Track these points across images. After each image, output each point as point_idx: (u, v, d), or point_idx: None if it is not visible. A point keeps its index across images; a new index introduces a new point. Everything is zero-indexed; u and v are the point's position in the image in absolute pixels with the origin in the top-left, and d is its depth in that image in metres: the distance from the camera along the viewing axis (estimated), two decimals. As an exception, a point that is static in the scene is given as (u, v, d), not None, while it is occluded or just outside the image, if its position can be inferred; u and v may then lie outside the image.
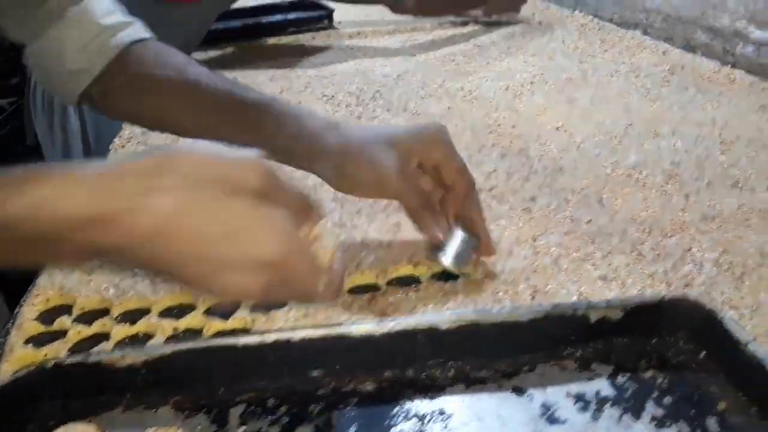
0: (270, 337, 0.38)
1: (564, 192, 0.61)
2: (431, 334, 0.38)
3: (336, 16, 1.34)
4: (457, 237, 0.46)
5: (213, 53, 1.20)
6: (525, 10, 1.30)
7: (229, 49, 1.22)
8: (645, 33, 1.16)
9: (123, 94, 0.53)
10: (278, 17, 1.28)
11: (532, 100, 0.86)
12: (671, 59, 0.99)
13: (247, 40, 1.25)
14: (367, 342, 0.38)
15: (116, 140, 0.80)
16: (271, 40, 1.26)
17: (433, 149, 0.46)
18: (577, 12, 1.36)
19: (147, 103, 0.53)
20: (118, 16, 0.54)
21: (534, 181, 0.64)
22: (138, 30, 0.54)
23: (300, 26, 1.27)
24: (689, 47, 1.06)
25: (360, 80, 0.98)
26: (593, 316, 0.39)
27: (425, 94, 0.90)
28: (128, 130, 0.83)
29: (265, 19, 1.29)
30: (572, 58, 1.03)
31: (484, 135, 0.76)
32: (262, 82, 1.00)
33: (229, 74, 1.05)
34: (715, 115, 0.78)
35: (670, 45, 1.08)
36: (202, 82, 0.51)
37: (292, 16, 1.29)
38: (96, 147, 1.04)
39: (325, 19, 1.29)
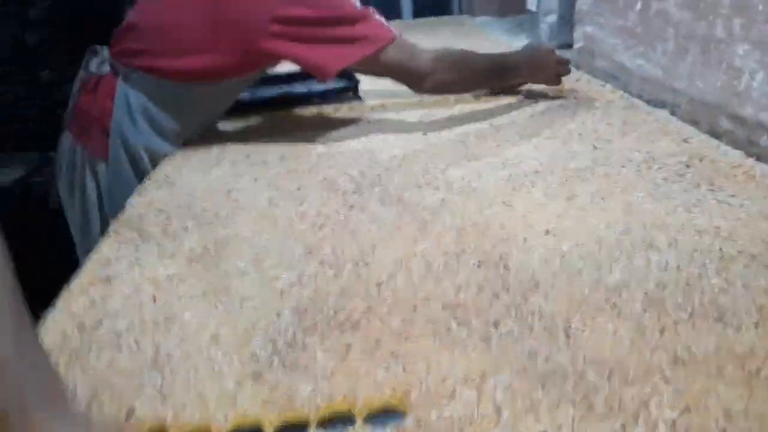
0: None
1: (532, 316, 0.57)
2: None
3: (365, 84, 1.34)
4: None
5: (237, 123, 1.22)
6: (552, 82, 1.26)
7: (253, 119, 1.24)
8: (672, 113, 1.11)
9: None
10: (303, 88, 1.29)
11: (530, 193, 0.82)
12: (691, 149, 0.93)
13: (273, 109, 1.27)
14: None
15: (112, 226, 0.81)
16: (296, 110, 1.27)
17: None
18: (607, 86, 1.31)
19: None
20: None
21: (504, 299, 0.60)
22: None
23: (325, 98, 1.28)
24: (714, 133, 0.99)
25: (365, 161, 0.97)
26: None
27: (424, 182, 0.88)
28: (127, 214, 0.84)
29: (291, 89, 1.30)
30: (587, 143, 0.98)
31: (469, 236, 0.72)
32: (272, 161, 1.00)
33: (245, 147, 1.07)
34: (721, 222, 0.72)
35: (696, 129, 1.02)
36: None
37: (318, 87, 1.29)
38: (110, 211, 1.06)
39: (350, 91, 1.29)
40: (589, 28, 1.42)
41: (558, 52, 1.23)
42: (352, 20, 0.98)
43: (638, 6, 1.20)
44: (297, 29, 0.95)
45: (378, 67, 1.03)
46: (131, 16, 1.05)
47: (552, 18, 1.70)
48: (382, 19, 1.02)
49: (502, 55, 1.18)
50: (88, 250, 1.03)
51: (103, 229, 1.04)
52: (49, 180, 1.24)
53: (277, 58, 1.03)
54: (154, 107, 1.01)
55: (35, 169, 1.74)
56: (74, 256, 1.11)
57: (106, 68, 1.03)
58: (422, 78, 1.04)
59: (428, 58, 1.03)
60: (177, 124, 1.05)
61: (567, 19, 1.59)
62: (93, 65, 1.05)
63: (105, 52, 1.06)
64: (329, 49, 0.96)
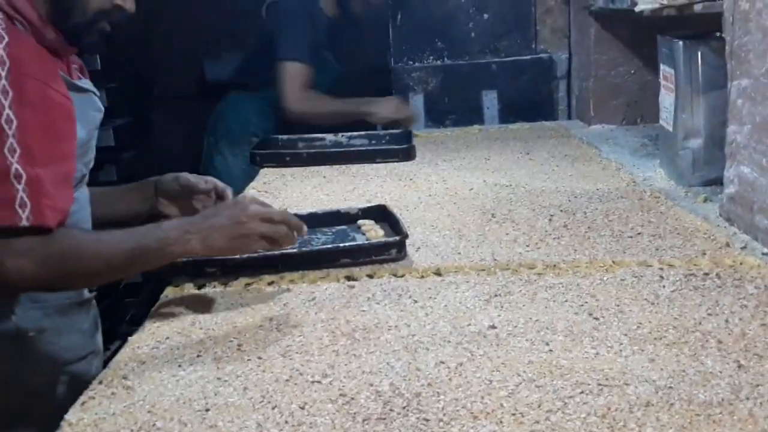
0: None
1: None
2: None
3: (416, 235, 1.42)
4: None
5: (233, 293, 1.30)
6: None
7: (255, 286, 1.31)
8: None
9: None
10: (331, 246, 1.37)
11: (634, 442, 0.84)
12: None
13: (285, 270, 1.35)
14: None
15: None
16: (315, 273, 1.34)
17: None
18: (773, 254, 1.34)
19: None
20: None
21: None
22: None
23: (356, 257, 1.35)
24: None
25: (401, 368, 1.01)
26: None
27: (482, 410, 0.90)
28: None
29: (318, 245, 1.39)
30: (729, 358, 1.00)
31: None
32: (271, 358, 1.06)
33: (238, 333, 1.13)
34: None
35: None
36: None
37: (348, 241, 1.37)
38: None
39: (394, 248, 1.36)
40: (746, 169, 1.46)
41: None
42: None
43: (812, 149, 1.25)
44: None
45: None
46: None
47: (696, 143, 1.76)
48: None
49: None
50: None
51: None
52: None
53: None
54: None
55: None
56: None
57: None
58: None
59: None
60: None
61: (716, 146, 1.65)
62: None
63: None
64: None
